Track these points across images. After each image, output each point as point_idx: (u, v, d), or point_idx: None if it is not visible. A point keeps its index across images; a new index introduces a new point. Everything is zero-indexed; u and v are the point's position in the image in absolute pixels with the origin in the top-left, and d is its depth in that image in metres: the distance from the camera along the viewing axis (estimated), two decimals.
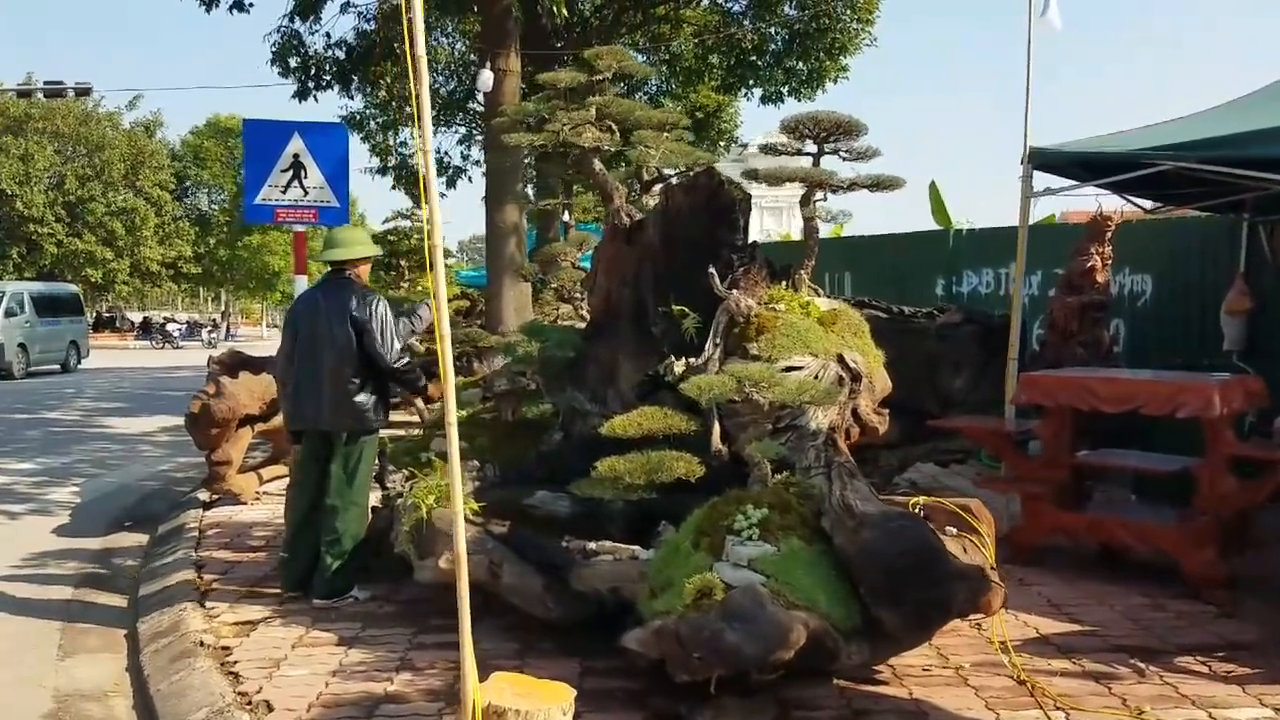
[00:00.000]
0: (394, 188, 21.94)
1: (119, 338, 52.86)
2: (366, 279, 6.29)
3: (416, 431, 7.73)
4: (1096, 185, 8.09)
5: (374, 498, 6.52)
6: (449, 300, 13.63)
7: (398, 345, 6.03)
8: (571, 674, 4.86)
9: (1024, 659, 4.97)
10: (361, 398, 5.95)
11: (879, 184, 5.62)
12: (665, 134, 6.36)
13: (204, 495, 9.37)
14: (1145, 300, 10.51)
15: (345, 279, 6.10)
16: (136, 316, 61.26)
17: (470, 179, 22.46)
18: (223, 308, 72.35)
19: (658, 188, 6.49)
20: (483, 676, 3.87)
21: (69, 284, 35.64)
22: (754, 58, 16.96)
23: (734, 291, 5.25)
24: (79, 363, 29.45)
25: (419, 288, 14.16)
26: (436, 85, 20.76)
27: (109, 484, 11.06)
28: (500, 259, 11.49)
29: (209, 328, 53.60)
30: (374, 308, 5.94)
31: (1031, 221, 8.54)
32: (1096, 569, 6.67)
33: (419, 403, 13.16)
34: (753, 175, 5.85)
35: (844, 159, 5.74)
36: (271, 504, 8.99)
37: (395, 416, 15.36)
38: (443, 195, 27.16)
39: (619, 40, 15.94)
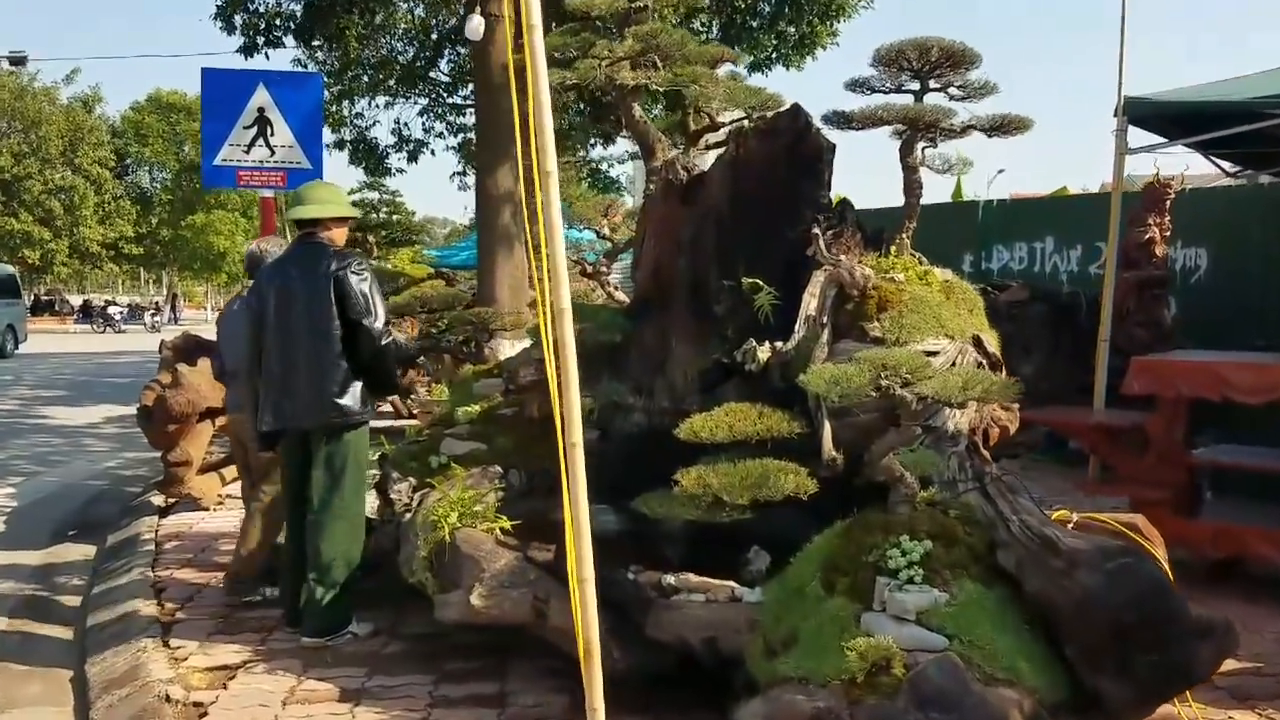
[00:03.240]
0: (351, 163, 20.51)
1: (59, 321, 50.80)
2: (341, 242, 5.19)
3: (413, 423, 6.62)
4: (1185, 144, 7.16)
5: (372, 506, 5.42)
6: (422, 280, 12.46)
7: (384, 318, 4.98)
8: None
9: (1200, 710, 4.00)
10: (347, 384, 4.90)
11: (1001, 126, 4.60)
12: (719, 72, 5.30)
13: (159, 499, 8.18)
14: (1199, 276, 9.66)
15: (318, 243, 5.02)
16: (76, 300, 58.99)
17: (433, 152, 21.08)
18: (166, 290, 70.01)
19: (711, 138, 5.42)
20: None
21: (4, 265, 33.78)
22: (747, 19, 15.88)
23: (842, 258, 4.21)
24: (16, 347, 27.87)
25: (389, 266, 12.96)
26: (394, 53, 19.43)
27: (50, 484, 9.82)
28: (492, 230, 10.23)
29: (152, 310, 51.59)
30: (357, 267, 4.94)
31: (1053, 191, 7.66)
32: (1221, 586, 5.74)
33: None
34: (841, 119, 4.80)
35: (953, 97, 4.71)
36: (237, 510, 7.83)
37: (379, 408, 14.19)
38: (402, 171, 25.90)
39: None
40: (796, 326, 4.43)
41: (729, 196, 4.95)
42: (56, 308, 55.63)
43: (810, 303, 4.34)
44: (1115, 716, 3.08)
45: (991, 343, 4.24)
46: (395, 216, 18.50)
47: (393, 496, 5.19)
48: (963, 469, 3.78)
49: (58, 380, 20.92)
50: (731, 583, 3.85)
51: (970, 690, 2.76)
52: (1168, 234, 9.12)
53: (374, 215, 14.86)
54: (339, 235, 5.12)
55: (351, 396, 4.89)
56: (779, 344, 4.42)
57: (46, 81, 48.26)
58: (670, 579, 3.94)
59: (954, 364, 3.99)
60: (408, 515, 4.96)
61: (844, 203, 4.79)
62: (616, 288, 6.38)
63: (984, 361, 4.14)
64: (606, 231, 6.32)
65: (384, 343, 4.94)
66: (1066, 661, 3.10)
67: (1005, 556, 3.31)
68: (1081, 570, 3.05)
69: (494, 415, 5.63)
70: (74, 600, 6.21)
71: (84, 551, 7.41)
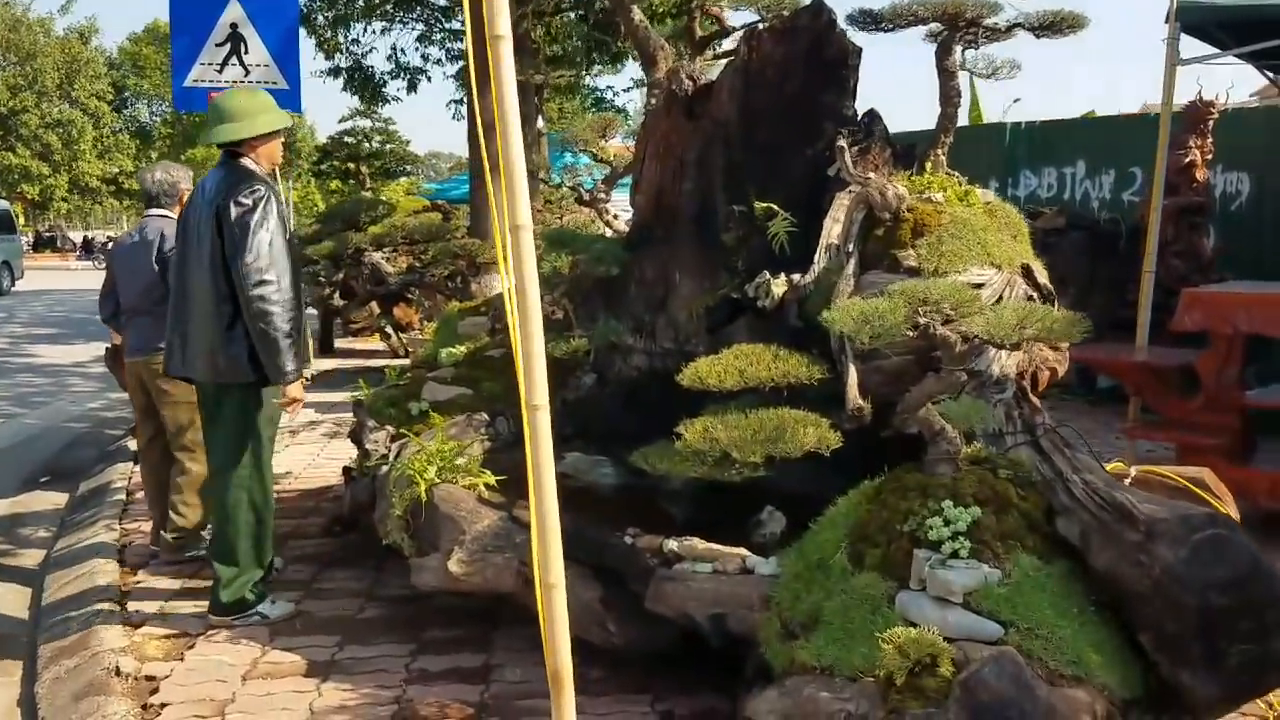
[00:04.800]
0: (345, 90, 19.70)
1: (60, 258, 50.27)
2: (276, 163, 4.49)
3: (397, 364, 6.12)
4: (1237, 54, 6.52)
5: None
6: (414, 213, 11.87)
7: (263, 258, 4.06)
8: None
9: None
10: (235, 335, 4.18)
11: (1052, 24, 4.00)
12: None
13: (134, 444, 7.73)
14: (1241, 203, 9.05)
15: (235, 165, 4.29)
16: (78, 236, 58.42)
17: (429, 79, 20.21)
18: None
19: (723, 45, 4.84)
20: None
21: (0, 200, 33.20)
22: None
23: (871, 176, 3.65)
24: (13, 284, 27.39)
25: (382, 197, 12.36)
26: None
27: (28, 426, 9.40)
28: (484, 161, 9.58)
29: None
30: (244, 196, 4.10)
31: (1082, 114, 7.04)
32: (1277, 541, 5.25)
33: (388, 327, 11.52)
34: (868, 19, 4.20)
35: None
36: None
37: (365, 345, 13.71)
38: (398, 99, 25.01)
39: None
40: (816, 256, 3.89)
41: (740, 109, 4.38)
42: (58, 244, 55.09)
43: (833, 229, 3.79)
44: (1198, 714, 2.61)
45: (1042, 273, 3.71)
46: (389, 146, 17.77)
47: (368, 446, 4.72)
48: (1010, 419, 3.28)
49: (50, 318, 20.46)
50: (743, 550, 3.36)
51: (1035, 696, 2.29)
52: (1209, 157, 8.51)
53: (366, 145, 14.16)
54: (268, 152, 4.39)
55: (238, 349, 4.16)
56: (796, 276, 3.88)
57: (41, 12, 47.30)
58: (673, 545, 3.46)
59: (1001, 298, 3.46)
60: (384, 468, 4.48)
61: (871, 114, 4.22)
62: (616, 216, 5.83)
63: (1034, 294, 3.60)
64: (606, 152, 5.75)
65: (254, 293, 4.03)
66: (1139, 650, 2.61)
67: (1067, 525, 2.82)
68: (1162, 544, 2.55)
69: (481, 357, 5.14)
70: (37, 555, 5.79)
71: (55, 500, 6.98)
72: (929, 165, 4.11)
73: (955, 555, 2.69)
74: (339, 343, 13.12)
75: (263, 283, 4.04)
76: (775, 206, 4.26)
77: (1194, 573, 2.48)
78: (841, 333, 3.07)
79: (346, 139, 14.82)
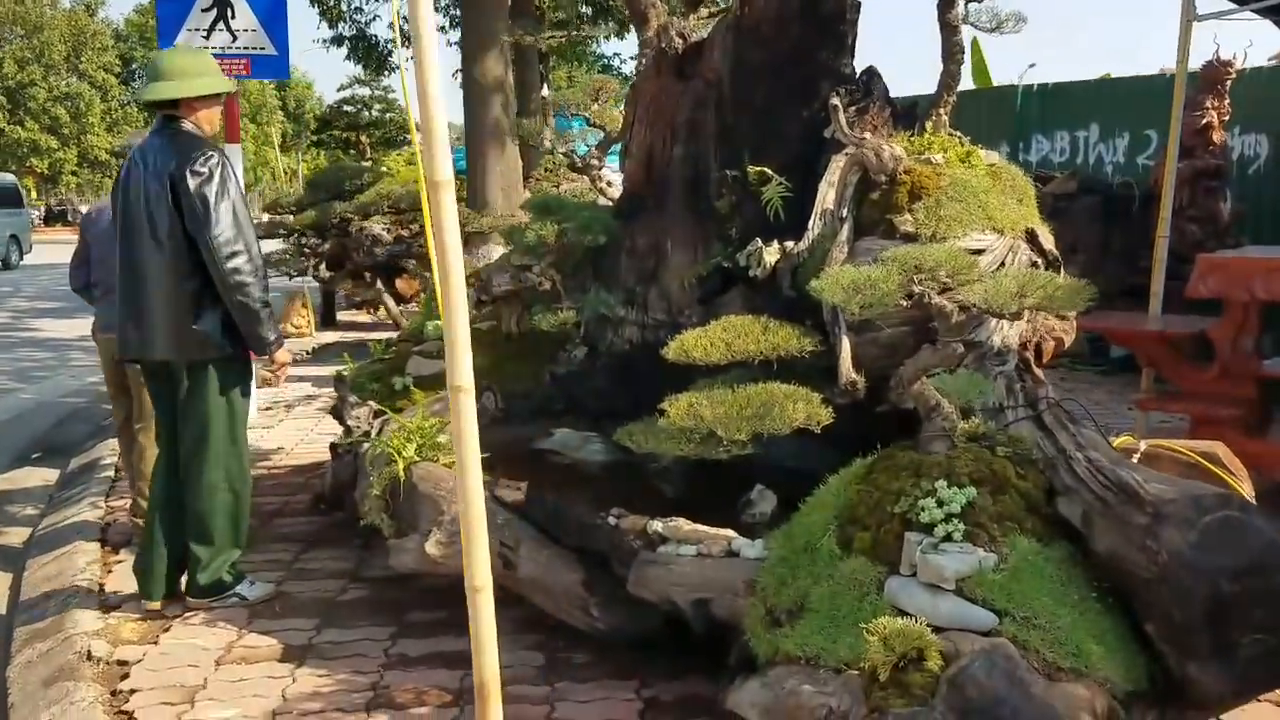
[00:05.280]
0: (349, 59, 19.48)
1: (71, 231, 50.24)
2: (215, 127, 4.25)
3: (379, 337, 5.95)
4: (1255, 9, 6.27)
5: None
6: (414, 183, 11.63)
7: (229, 229, 3.89)
8: (628, 712, 3.28)
9: None
10: (201, 309, 3.98)
11: None
12: None
13: None
14: (1259, 166, 8.80)
15: (176, 128, 4.05)
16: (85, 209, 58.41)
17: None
18: None
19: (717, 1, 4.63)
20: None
21: (6, 174, 33.07)
22: None
23: (867, 136, 3.46)
24: (21, 258, 27.26)
25: (383, 167, 12.15)
26: None
27: (24, 402, 9.29)
28: (481, 124, 9.30)
29: None
30: (200, 164, 3.90)
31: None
32: None
33: (388, 300, 11.34)
34: None
35: None
36: None
37: (358, 318, 13.54)
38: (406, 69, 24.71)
39: None
40: (811, 223, 3.71)
41: (732, 68, 4.19)
42: (69, 217, 55.06)
43: (828, 193, 3.61)
44: (1205, 708, 2.45)
45: (1048, 238, 3.51)
46: (389, 115, 17.50)
47: (350, 423, 4.57)
48: (1012, 393, 3.10)
49: (56, 291, 20.32)
50: (729, 532, 3.20)
51: (1029, 693, 2.12)
52: (1226, 119, 8.26)
53: (366, 114, 13.90)
54: (208, 117, 4.13)
55: (209, 323, 3.97)
56: (789, 244, 3.71)
57: None
58: (657, 526, 3.30)
59: (1003, 264, 3.28)
60: (365, 445, 4.33)
61: (870, 72, 4.02)
62: (610, 184, 5.64)
63: (1039, 260, 3.41)
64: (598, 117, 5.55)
65: (227, 266, 3.87)
66: (1145, 640, 2.45)
67: (1068, 505, 2.64)
68: (1169, 526, 2.37)
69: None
70: (24, 533, 5.68)
71: (45, 476, 6.86)
72: (929, 125, 3.91)
73: (948, 539, 2.52)
74: (342, 315, 12.97)
75: (234, 254, 3.87)
76: (769, 171, 4.08)
77: (1204, 558, 2.31)
78: (832, 303, 2.89)
79: (346, 108, 14.56)
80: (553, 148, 5.65)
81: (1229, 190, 8.27)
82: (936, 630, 2.36)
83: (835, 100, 3.44)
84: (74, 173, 48.93)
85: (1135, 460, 3.32)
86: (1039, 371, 3.25)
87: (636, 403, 3.96)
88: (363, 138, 13.79)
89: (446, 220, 2.00)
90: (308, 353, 10.51)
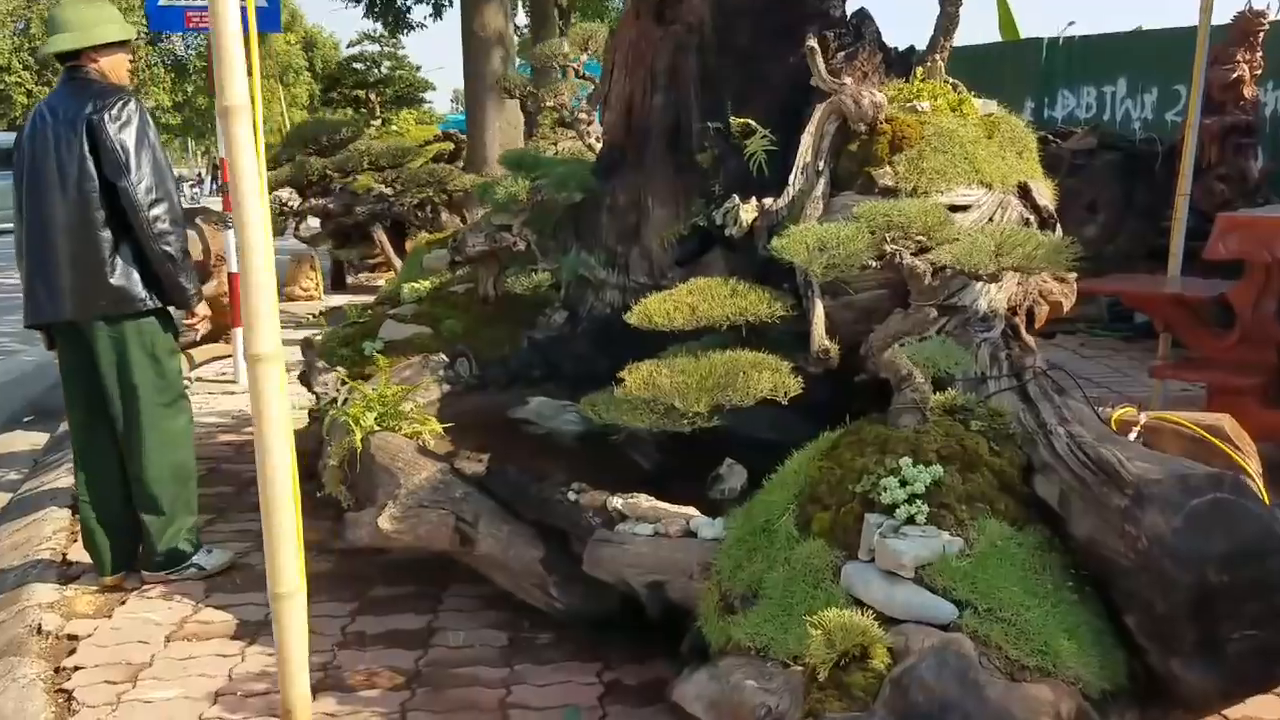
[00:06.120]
0: (367, 16, 19.19)
1: None
2: (122, 80, 3.99)
3: (354, 300, 5.75)
4: None
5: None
6: (425, 144, 11.37)
7: (151, 175, 3.71)
8: (588, 695, 3.10)
9: None
10: (116, 262, 3.76)
11: None
12: None
13: None
14: None
15: (85, 79, 3.84)
16: None
17: (450, 2, 19.53)
18: (213, 160, 69.38)
19: None
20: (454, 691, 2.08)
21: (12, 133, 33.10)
22: None
23: (848, 82, 3.20)
24: None
25: (393, 126, 11.90)
26: None
27: (24, 364, 9.21)
28: (480, 79, 8.96)
29: (193, 182, 50.90)
30: (117, 110, 3.70)
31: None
32: None
33: (397, 262, 11.11)
34: None
35: None
36: (203, 394, 7.13)
37: (372, 280, 13.30)
38: (423, 26, 24.38)
39: None
40: (792, 178, 3.46)
41: (714, 11, 3.93)
42: None
43: (808, 145, 3.35)
44: (1191, 709, 2.22)
45: (1043, 193, 3.24)
46: (398, 72, 17.14)
47: (317, 390, 4.38)
48: (995, 361, 2.86)
49: None
50: (690, 511, 2.99)
51: (982, 696, 1.90)
52: (1258, 73, 7.86)
53: (375, 71, 13.61)
54: (114, 66, 3.91)
55: (125, 277, 3.75)
56: (768, 201, 3.46)
57: None
58: (617, 502, 3.10)
59: (990, 221, 3.02)
60: (331, 417, 4.14)
61: (861, 14, 3.76)
62: (599, 139, 5.40)
63: (1031, 218, 3.15)
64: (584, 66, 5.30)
65: (147, 214, 3.68)
66: (1124, 633, 2.22)
67: (1045, 485, 2.41)
68: (1152, 509, 2.13)
69: (445, 293, 4.77)
70: (4, 499, 5.57)
71: (34, 440, 6.75)
72: (919, 73, 3.64)
73: (910, 521, 2.30)
74: (352, 279, 12.80)
75: (157, 202, 3.70)
76: (753, 123, 3.83)
77: (1189, 544, 2.07)
78: (795, 264, 2.65)
79: (355, 65, 14.25)
80: (539, 104, 5.41)
81: (1260, 148, 7.88)
82: (892, 623, 2.14)
83: (812, 41, 3.17)
84: None
85: (1135, 434, 3.07)
86: (1029, 338, 3.00)
87: (618, 368, 3.75)
88: (372, 95, 13.50)
89: (241, 154, 1.76)
90: (315, 315, 10.37)
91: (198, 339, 6.61)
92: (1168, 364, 5.16)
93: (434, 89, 30.87)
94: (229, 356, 7.57)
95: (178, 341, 4.09)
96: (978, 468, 2.41)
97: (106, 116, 3.67)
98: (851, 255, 2.50)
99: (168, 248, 3.74)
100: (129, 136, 3.69)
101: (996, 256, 2.38)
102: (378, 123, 13.27)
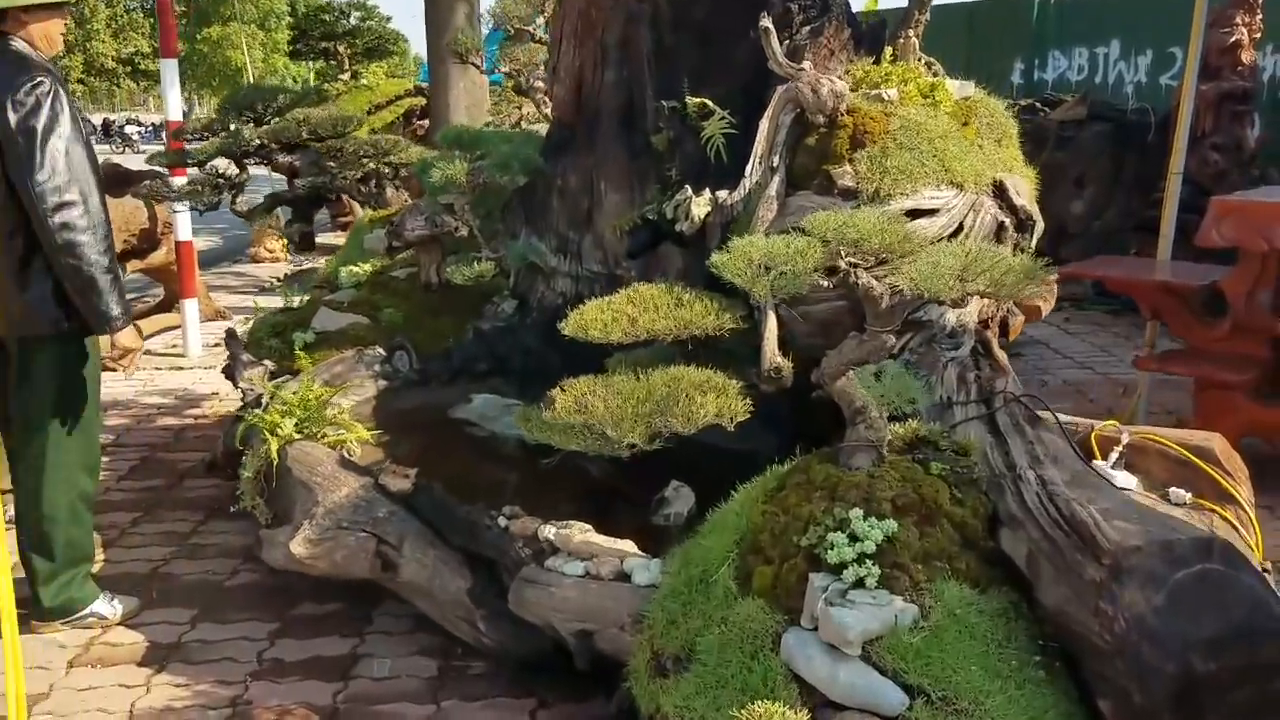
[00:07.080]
0: None
1: None
2: (55, 47, 3.43)
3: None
4: None
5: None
6: (393, 101, 10.92)
7: (60, 174, 3.15)
8: None
9: None
10: (32, 274, 3.26)
11: None
12: None
13: None
14: None
15: (2, 48, 3.27)
16: (98, 119, 57.68)
17: None
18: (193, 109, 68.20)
19: None
20: None
21: None
22: None
23: (806, 66, 2.87)
24: None
25: (363, 81, 11.47)
26: None
27: None
28: (442, 34, 8.36)
29: (146, 129, 50.01)
30: (25, 93, 3.15)
31: None
32: None
33: (356, 209, 10.72)
34: None
35: None
36: (149, 369, 6.81)
37: (340, 240, 12.89)
38: None
39: None
40: (748, 168, 3.13)
41: None
42: None
43: (763, 136, 3.03)
44: None
45: (1022, 190, 2.93)
46: (368, 23, 16.48)
47: (242, 386, 4.07)
48: (963, 384, 2.57)
49: None
50: (625, 548, 2.71)
51: None
52: (1257, 36, 7.52)
53: (343, 22, 13.09)
54: (42, 31, 3.34)
55: (36, 293, 3.25)
56: (722, 194, 3.15)
57: None
58: (549, 532, 2.81)
59: (961, 226, 2.71)
60: (251, 419, 3.84)
61: None
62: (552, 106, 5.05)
63: (1006, 220, 2.84)
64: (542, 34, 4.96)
65: (54, 220, 3.13)
66: (1097, 716, 1.95)
67: (1012, 542, 2.13)
68: (1132, 584, 1.86)
69: (384, 279, 4.45)
70: None
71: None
72: (892, 50, 3.31)
73: (859, 584, 2.02)
74: (322, 238, 12.40)
75: (63, 205, 3.13)
76: (710, 103, 3.51)
77: (1173, 627, 1.80)
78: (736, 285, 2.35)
79: (323, 16, 13.69)
80: (495, 65, 5.06)
81: (1257, 115, 7.56)
82: (835, 709, 1.87)
83: (766, 22, 2.83)
84: (81, 80, 48.12)
85: (1118, 455, 2.80)
86: (1001, 355, 2.70)
87: (569, 363, 3.45)
88: (340, 48, 12.94)
89: None
90: (278, 280, 10.00)
91: (127, 373, 6.20)
92: (1153, 355, 4.87)
93: (406, 41, 29.99)
94: (178, 327, 7.23)
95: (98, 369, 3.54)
96: (937, 520, 2.13)
97: (11, 102, 3.13)
98: (800, 275, 2.19)
99: (75, 260, 3.16)
100: (35, 125, 3.13)
101: (961, 281, 2.08)
102: (345, 76, 12.78)
